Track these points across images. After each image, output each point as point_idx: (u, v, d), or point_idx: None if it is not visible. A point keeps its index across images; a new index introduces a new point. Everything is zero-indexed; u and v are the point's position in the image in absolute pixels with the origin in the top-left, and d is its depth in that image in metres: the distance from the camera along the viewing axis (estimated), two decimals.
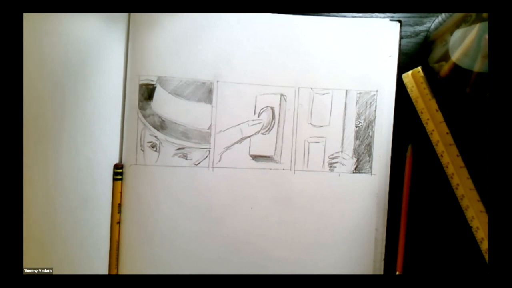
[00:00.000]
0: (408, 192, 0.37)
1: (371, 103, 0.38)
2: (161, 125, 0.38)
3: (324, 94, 0.38)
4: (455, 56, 0.33)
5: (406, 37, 0.38)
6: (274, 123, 0.38)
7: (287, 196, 0.38)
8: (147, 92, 0.38)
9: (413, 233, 0.38)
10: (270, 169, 0.38)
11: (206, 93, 0.38)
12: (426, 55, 0.37)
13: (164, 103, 0.38)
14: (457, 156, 0.36)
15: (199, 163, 0.38)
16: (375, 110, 0.38)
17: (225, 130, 0.38)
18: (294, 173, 0.38)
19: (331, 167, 0.38)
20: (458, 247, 0.37)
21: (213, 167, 0.38)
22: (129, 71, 0.38)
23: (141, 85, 0.38)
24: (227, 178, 0.38)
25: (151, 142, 0.38)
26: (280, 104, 0.38)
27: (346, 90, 0.38)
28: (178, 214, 0.38)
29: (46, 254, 0.34)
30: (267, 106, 0.38)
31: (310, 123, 0.38)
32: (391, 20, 0.38)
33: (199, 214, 0.38)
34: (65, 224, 0.35)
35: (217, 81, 0.38)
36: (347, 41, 0.38)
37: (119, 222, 0.38)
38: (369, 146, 0.38)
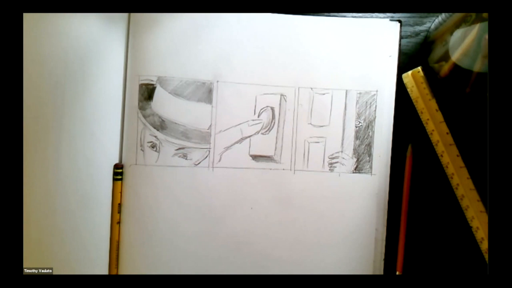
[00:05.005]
0: (408, 192, 0.37)
1: (371, 103, 0.38)
2: (161, 125, 0.38)
3: (324, 94, 0.38)
4: (455, 56, 0.33)
5: (406, 37, 0.38)
6: (274, 123, 0.38)
7: (287, 196, 0.38)
8: (147, 92, 0.38)
9: (413, 233, 0.38)
10: (270, 169, 0.38)
11: (206, 93, 0.38)
12: (426, 55, 0.37)
13: (164, 103, 0.38)
14: (457, 156, 0.36)
15: (199, 163, 0.38)
16: (375, 110, 0.38)
17: (225, 130, 0.38)
18: (294, 173, 0.38)
19: (331, 167, 0.38)
20: (458, 247, 0.37)
21: (213, 167, 0.38)
22: (129, 71, 0.38)
23: (141, 85, 0.38)
24: (227, 178, 0.38)
25: (151, 142, 0.38)
26: (280, 104, 0.38)
27: (346, 90, 0.38)
28: (178, 214, 0.38)
29: (46, 254, 0.34)
30: (267, 106, 0.38)
31: (310, 123, 0.38)
32: (391, 20, 0.38)
33: (199, 214, 0.38)
34: (65, 224, 0.35)
35: (217, 81, 0.38)
36: (347, 41, 0.38)
37: (119, 222, 0.38)
38: (369, 146, 0.38)
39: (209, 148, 0.38)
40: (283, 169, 0.38)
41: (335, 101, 0.38)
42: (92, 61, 0.35)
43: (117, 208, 0.38)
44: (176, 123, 0.38)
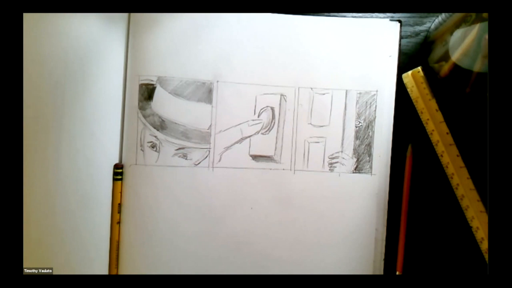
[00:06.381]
0: (408, 192, 0.37)
1: (371, 103, 0.38)
2: (161, 125, 0.38)
3: (324, 94, 0.38)
4: (455, 56, 0.33)
5: (406, 37, 0.38)
6: (274, 123, 0.38)
7: (287, 196, 0.38)
8: (147, 92, 0.38)
9: (413, 233, 0.38)
10: (270, 169, 0.38)
11: (206, 93, 0.38)
12: (426, 55, 0.37)
13: (164, 103, 0.38)
14: (457, 156, 0.36)
15: (199, 163, 0.38)
16: (375, 110, 0.38)
17: (225, 130, 0.38)
18: (294, 173, 0.38)
19: (331, 167, 0.38)
20: (458, 247, 0.37)
21: (213, 167, 0.38)
22: (129, 71, 0.38)
23: (141, 85, 0.38)
24: (227, 178, 0.38)
25: (151, 142, 0.38)
26: (280, 104, 0.38)
27: (346, 90, 0.38)
28: (178, 214, 0.38)
29: (46, 254, 0.34)
30: (267, 106, 0.38)
31: (310, 123, 0.38)
32: (391, 20, 0.38)
33: (199, 214, 0.38)
34: (65, 224, 0.35)
35: (217, 81, 0.38)
36: (347, 41, 0.38)
37: (119, 222, 0.38)
38: (369, 146, 0.38)
39: (209, 148, 0.38)
40: (283, 169, 0.38)
41: (335, 101, 0.38)
42: (92, 61, 0.35)
43: (117, 208, 0.38)
44: (176, 123, 0.38)
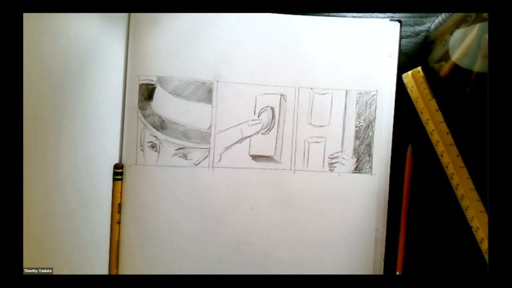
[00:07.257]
0: (408, 192, 0.37)
1: (371, 103, 0.38)
2: (161, 125, 0.38)
3: (324, 94, 0.38)
4: (455, 56, 0.33)
5: (406, 37, 0.38)
6: (274, 123, 0.38)
7: (287, 196, 0.38)
8: (147, 92, 0.38)
9: (413, 233, 0.38)
10: (270, 169, 0.38)
11: (206, 93, 0.38)
12: (426, 55, 0.37)
13: (164, 103, 0.38)
14: (457, 156, 0.36)
15: (199, 163, 0.38)
16: (375, 110, 0.38)
17: (225, 130, 0.38)
18: (294, 173, 0.38)
19: (331, 167, 0.38)
20: (458, 247, 0.37)
21: (213, 167, 0.38)
22: (129, 71, 0.38)
23: (141, 85, 0.38)
24: (227, 178, 0.38)
25: (151, 142, 0.38)
26: (280, 104, 0.38)
27: (346, 90, 0.38)
28: (178, 214, 0.38)
29: (46, 254, 0.34)
30: (267, 106, 0.38)
31: (310, 123, 0.38)
32: (391, 20, 0.38)
33: (199, 214, 0.38)
34: (65, 224, 0.35)
35: (217, 81, 0.38)
36: (347, 41, 0.38)
37: (119, 222, 0.38)
38: (369, 146, 0.38)
39: (209, 148, 0.38)
40: (283, 169, 0.38)
41: (335, 101, 0.38)
42: (92, 61, 0.35)
43: (117, 208, 0.38)
44: (176, 123, 0.38)
